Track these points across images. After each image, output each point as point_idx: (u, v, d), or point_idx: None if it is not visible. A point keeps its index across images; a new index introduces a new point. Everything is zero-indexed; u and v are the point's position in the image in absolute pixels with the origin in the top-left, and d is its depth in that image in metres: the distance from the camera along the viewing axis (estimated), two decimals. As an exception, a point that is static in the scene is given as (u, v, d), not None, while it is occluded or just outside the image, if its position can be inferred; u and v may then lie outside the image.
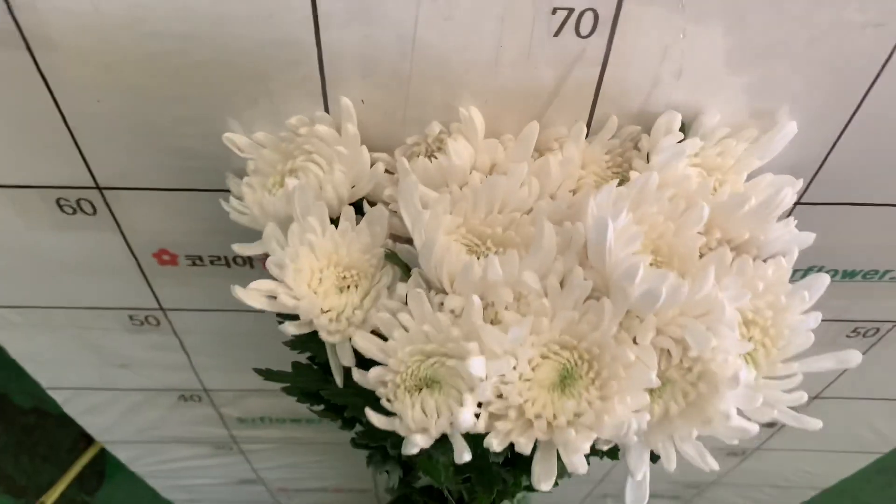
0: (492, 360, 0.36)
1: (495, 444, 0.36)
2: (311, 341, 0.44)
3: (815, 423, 0.40)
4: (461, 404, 0.35)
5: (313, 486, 1.08)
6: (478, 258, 0.41)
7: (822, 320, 0.67)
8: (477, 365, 0.35)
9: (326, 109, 0.45)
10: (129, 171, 0.50)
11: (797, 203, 0.53)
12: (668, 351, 0.38)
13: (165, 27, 0.40)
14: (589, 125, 0.47)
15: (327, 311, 0.40)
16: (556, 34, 0.41)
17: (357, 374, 0.39)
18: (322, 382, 0.48)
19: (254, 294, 0.39)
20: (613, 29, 0.41)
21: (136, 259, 0.58)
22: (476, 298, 0.37)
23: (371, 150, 0.47)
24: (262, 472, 1.01)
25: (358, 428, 0.55)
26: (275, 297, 0.40)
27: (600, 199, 0.40)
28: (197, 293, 0.62)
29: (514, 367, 0.37)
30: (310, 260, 0.40)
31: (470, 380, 0.36)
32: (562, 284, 0.39)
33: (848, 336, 0.69)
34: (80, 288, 0.61)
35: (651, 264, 0.41)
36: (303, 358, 0.50)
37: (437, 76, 0.43)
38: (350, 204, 0.45)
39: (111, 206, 0.52)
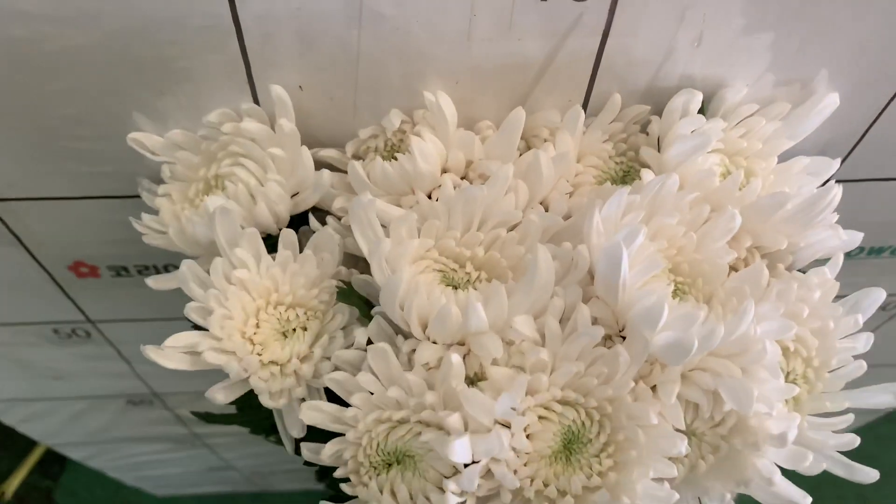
0: (479, 438, 0.28)
1: (486, 541, 0.28)
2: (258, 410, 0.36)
3: (872, 475, 0.33)
4: (442, 495, 0.28)
5: (287, 468, 1.02)
6: (455, 289, 0.32)
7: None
8: (459, 450, 0.27)
9: (256, 100, 0.36)
10: (18, 180, 0.40)
11: (828, 180, 0.45)
12: (695, 404, 0.31)
13: (33, 5, 0.30)
14: (585, 106, 0.38)
15: (267, 365, 0.32)
16: (545, -3, 0.32)
17: (307, 452, 0.31)
18: (272, 420, 0.40)
19: (171, 353, 0.31)
20: (618, -12, 0.32)
21: (48, 273, 0.49)
22: (455, 357, 0.29)
23: (317, 145, 0.38)
24: (232, 461, 0.95)
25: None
26: (198, 354, 0.31)
27: (607, 211, 0.31)
28: (127, 304, 0.53)
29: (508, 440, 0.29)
30: (242, 301, 0.32)
31: (453, 464, 0.28)
32: (562, 321, 0.31)
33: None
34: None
35: (673, 293, 0.33)
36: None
37: (395, 52, 0.34)
38: (293, 216, 0.36)
39: (3, 218, 0.43)
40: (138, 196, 0.40)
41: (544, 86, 0.36)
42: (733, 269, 0.35)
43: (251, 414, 0.41)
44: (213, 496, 1.23)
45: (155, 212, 0.37)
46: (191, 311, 0.31)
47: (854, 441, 0.33)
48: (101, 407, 0.71)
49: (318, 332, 0.33)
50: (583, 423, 0.30)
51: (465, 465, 0.28)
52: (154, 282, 0.35)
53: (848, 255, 0.53)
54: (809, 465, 0.32)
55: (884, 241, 0.52)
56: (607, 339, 0.31)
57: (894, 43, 0.35)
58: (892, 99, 0.39)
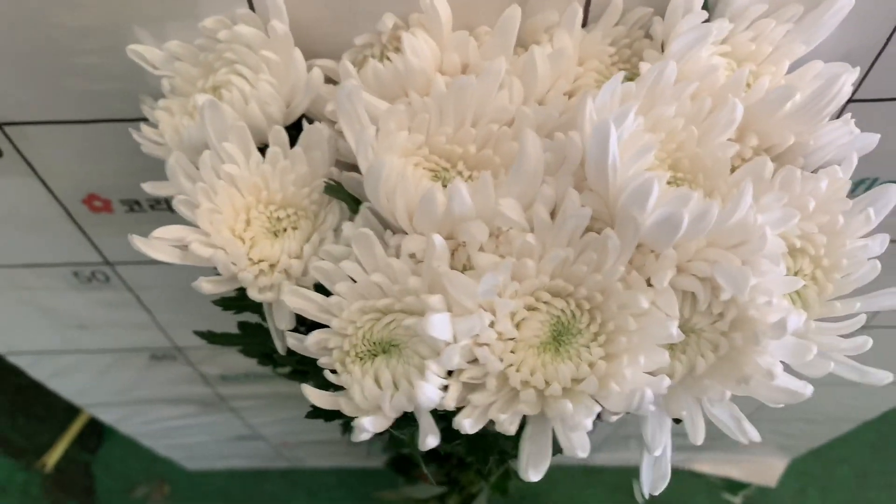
0: (460, 318, 0.28)
1: (468, 424, 0.28)
2: (244, 298, 0.36)
3: (885, 377, 0.31)
4: (423, 375, 0.27)
5: (315, 438, 1.02)
6: (444, 186, 0.32)
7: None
8: (437, 324, 0.26)
9: (251, 6, 0.36)
10: (28, 100, 0.41)
11: (850, 100, 0.43)
12: (693, 294, 0.29)
13: None
14: (587, 10, 0.37)
15: (257, 263, 0.32)
16: None
17: (292, 340, 0.31)
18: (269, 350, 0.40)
19: (158, 244, 0.31)
20: None
21: (63, 207, 0.49)
22: (438, 238, 0.28)
23: (313, 56, 0.37)
24: (259, 427, 0.95)
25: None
26: (185, 248, 0.31)
27: (601, 99, 0.30)
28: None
29: (492, 325, 0.28)
30: (231, 197, 0.32)
31: (433, 344, 0.27)
32: (553, 215, 0.30)
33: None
34: (11, 244, 0.54)
35: (669, 183, 0.32)
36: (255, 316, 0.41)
37: (387, -48, 0.34)
38: (288, 126, 0.36)
39: (17, 145, 0.44)
40: (146, 119, 0.41)
41: (542, -11, 0.36)
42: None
43: (250, 335, 0.41)
44: (244, 471, 1.24)
45: (155, 126, 0.37)
46: (179, 203, 0.31)
47: (866, 343, 0.31)
48: (126, 362, 0.72)
49: (309, 232, 0.33)
50: (573, 314, 0.29)
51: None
52: (151, 186, 0.35)
53: (877, 190, 0.51)
54: (814, 363, 0.30)
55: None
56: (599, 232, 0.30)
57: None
58: (913, 1, 0.37)
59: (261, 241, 0.32)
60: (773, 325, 0.28)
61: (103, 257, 0.55)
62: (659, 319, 0.28)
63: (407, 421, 0.30)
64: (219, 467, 1.22)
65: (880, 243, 0.33)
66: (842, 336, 0.32)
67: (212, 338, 0.41)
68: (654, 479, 0.32)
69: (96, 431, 1.28)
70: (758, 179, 0.31)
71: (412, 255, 0.30)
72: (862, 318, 0.32)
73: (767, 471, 1.23)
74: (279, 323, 0.32)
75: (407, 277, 0.28)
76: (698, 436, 0.30)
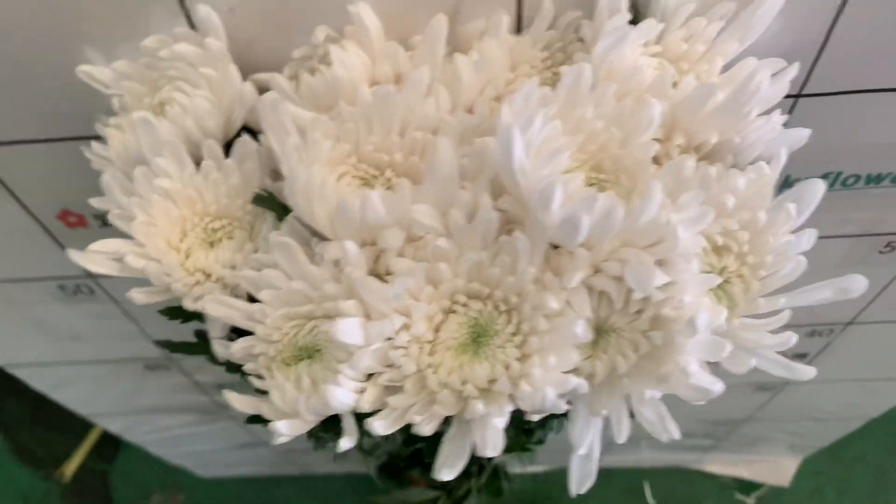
0: (373, 322, 0.28)
1: (379, 426, 0.28)
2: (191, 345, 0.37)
3: (808, 372, 0.31)
4: (335, 379, 0.28)
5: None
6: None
7: (850, 236, 0.57)
8: (345, 329, 0.27)
9: (191, 25, 0.37)
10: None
11: (798, 95, 0.43)
12: (609, 296, 0.30)
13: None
14: (520, 16, 0.38)
15: (193, 273, 0.33)
16: None
17: (219, 348, 0.32)
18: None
19: (96, 258, 0.32)
20: None
21: (40, 223, 0.51)
22: (350, 245, 0.29)
23: (257, 69, 0.38)
24: (261, 434, 0.97)
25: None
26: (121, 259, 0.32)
27: (516, 105, 0.31)
28: (121, 256, 0.55)
29: (408, 328, 0.29)
30: (167, 210, 0.33)
31: (346, 348, 0.28)
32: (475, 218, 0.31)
33: (881, 252, 0.59)
34: (-2, 259, 0.56)
35: (593, 185, 0.32)
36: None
37: (317, -32, 0.35)
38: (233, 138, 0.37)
39: (-11, 163, 0.46)
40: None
41: (472, -3, 0.36)
42: (664, 168, 0.33)
43: (208, 343, 0.42)
44: (256, 478, 1.26)
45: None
46: (114, 217, 0.33)
47: (790, 339, 0.31)
48: (122, 372, 0.74)
49: (243, 241, 0.34)
50: (490, 316, 0.30)
51: (362, 352, 0.28)
52: (98, 202, 0.36)
53: (845, 184, 0.51)
54: (736, 359, 0.30)
55: (881, 167, 0.49)
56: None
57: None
58: (848, -7, 0.37)
59: (196, 251, 0.33)
60: (684, 325, 0.28)
61: (86, 270, 0.57)
62: (569, 320, 0.28)
63: (336, 423, 0.31)
64: (231, 475, 1.24)
65: (808, 239, 0.32)
66: (770, 332, 0.32)
67: (172, 347, 0.42)
68: (580, 477, 0.32)
69: (112, 441, 1.30)
70: (676, 178, 0.31)
71: (335, 262, 0.31)
72: (786, 315, 0.32)
73: (780, 471, 1.21)
74: (212, 331, 0.33)
75: (325, 284, 0.29)
76: (622, 434, 0.31)
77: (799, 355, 0.78)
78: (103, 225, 0.52)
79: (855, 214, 0.54)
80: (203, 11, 0.35)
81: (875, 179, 0.50)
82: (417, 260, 0.30)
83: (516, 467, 0.84)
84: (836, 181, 0.50)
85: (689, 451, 1.15)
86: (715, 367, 0.32)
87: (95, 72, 0.38)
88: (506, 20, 0.35)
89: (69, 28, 0.37)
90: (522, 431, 0.45)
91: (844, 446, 1.13)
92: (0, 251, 0.54)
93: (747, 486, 1.23)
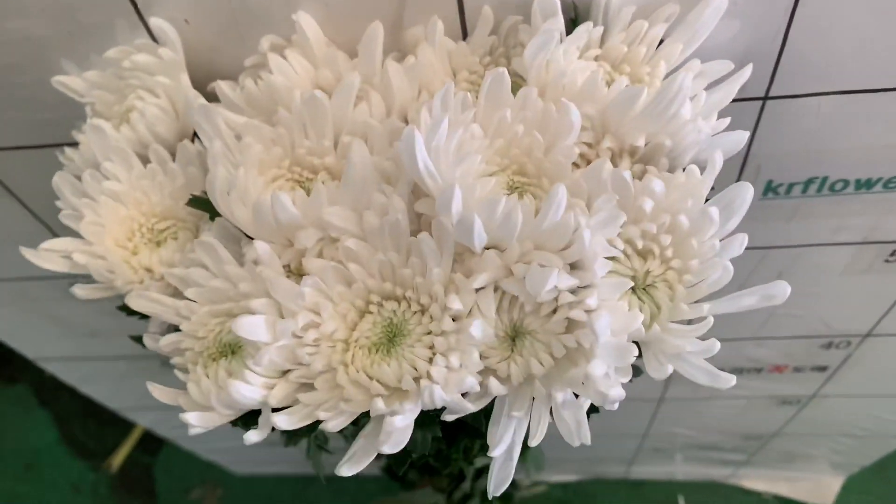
0: (279, 320, 0.29)
1: (282, 421, 0.29)
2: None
3: (728, 380, 0.30)
4: (241, 375, 0.29)
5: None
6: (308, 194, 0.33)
7: (849, 243, 0.55)
8: (249, 326, 0.28)
9: (151, 37, 0.39)
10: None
11: (766, 97, 0.42)
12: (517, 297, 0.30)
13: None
14: (464, 22, 0.38)
15: (139, 271, 0.35)
16: None
17: (148, 340, 0.33)
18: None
19: (47, 255, 0.34)
20: None
21: (44, 224, 0.54)
22: (261, 244, 0.30)
23: (216, 76, 0.40)
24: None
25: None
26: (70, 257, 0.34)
27: (435, 105, 0.31)
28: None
29: (317, 326, 0.30)
30: (114, 209, 0.35)
31: (253, 345, 0.29)
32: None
33: (887, 261, 0.56)
34: (8, 259, 0.59)
35: (516, 188, 0.32)
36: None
37: (261, -21, 0.36)
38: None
39: (-10, 168, 0.49)
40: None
41: (414, 5, 0.37)
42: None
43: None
44: (291, 477, 1.29)
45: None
46: (65, 217, 0.35)
47: (713, 346, 0.30)
48: (140, 368, 0.77)
49: (186, 241, 0.35)
50: (403, 316, 0.31)
51: (270, 348, 0.29)
52: (62, 203, 0.38)
53: (833, 189, 0.49)
54: (657, 362, 0.30)
55: (871, 172, 0.47)
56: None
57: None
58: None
59: (142, 250, 0.35)
60: (585, 329, 0.28)
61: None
62: (469, 321, 0.29)
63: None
64: (265, 472, 1.27)
65: (738, 244, 0.32)
66: (697, 338, 0.31)
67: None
68: (497, 479, 0.32)
69: (157, 437, 1.36)
70: (593, 181, 0.31)
71: (254, 261, 0.32)
72: (709, 322, 0.31)
73: (822, 489, 1.16)
74: (150, 327, 0.35)
75: (240, 282, 0.30)
76: (537, 437, 0.31)
77: (819, 368, 0.75)
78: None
79: (849, 221, 0.51)
80: (157, 23, 0.37)
81: (866, 184, 0.48)
82: (335, 260, 0.31)
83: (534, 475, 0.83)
84: (823, 187, 0.48)
85: (722, 466, 1.11)
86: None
87: (69, 81, 0.40)
88: (440, 26, 0.36)
89: (44, 44, 0.40)
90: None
91: (891, 465, 1.07)
92: (11, 251, 0.58)
93: (787, 504, 1.19)
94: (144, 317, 0.41)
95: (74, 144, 0.46)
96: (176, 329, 0.33)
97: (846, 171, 0.47)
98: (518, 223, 0.28)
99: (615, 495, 1.23)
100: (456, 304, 0.29)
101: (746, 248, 0.32)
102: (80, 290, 0.34)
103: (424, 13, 0.37)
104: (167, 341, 0.32)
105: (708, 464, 1.12)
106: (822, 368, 0.75)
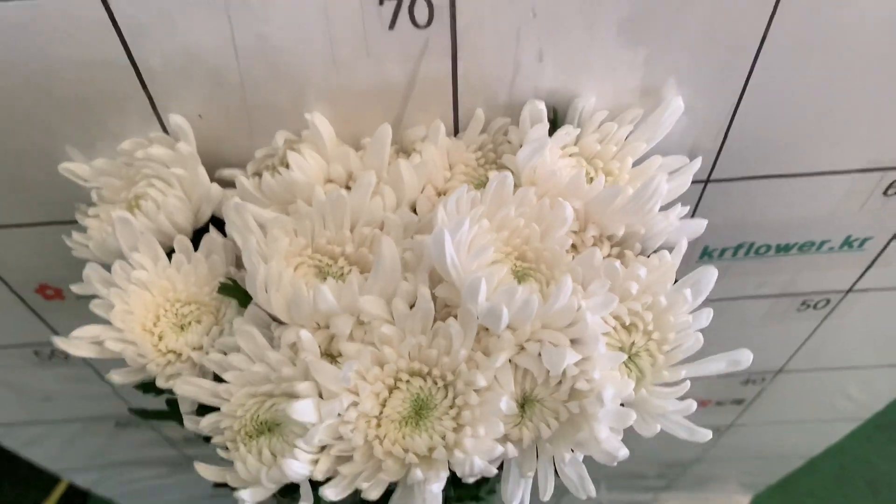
0: (326, 401, 0.33)
1: (331, 493, 0.32)
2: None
3: (705, 434, 0.36)
4: (291, 452, 0.32)
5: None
6: (325, 279, 0.37)
7: (768, 296, 0.63)
8: (300, 409, 0.31)
9: (164, 128, 0.41)
10: (-22, 210, 0.47)
11: (708, 181, 0.49)
12: (531, 372, 0.35)
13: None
14: (456, 122, 0.43)
15: (166, 354, 0.37)
16: (391, 27, 0.37)
17: (189, 422, 0.36)
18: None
19: (78, 343, 0.36)
20: (453, 14, 0.37)
21: (18, 296, 0.55)
22: (305, 333, 0.33)
23: (223, 164, 0.43)
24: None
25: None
26: (101, 343, 0.36)
27: (450, 205, 0.36)
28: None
29: (356, 405, 0.33)
30: (142, 297, 0.37)
31: (302, 424, 0.32)
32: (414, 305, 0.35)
33: (798, 310, 0.65)
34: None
35: (517, 271, 0.37)
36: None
37: (274, 80, 0.39)
38: (201, 228, 0.42)
39: (-28, 246, 0.49)
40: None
41: (414, 105, 0.41)
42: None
43: (177, 412, 0.46)
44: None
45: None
46: (95, 306, 0.37)
47: (691, 406, 0.36)
48: (93, 429, 0.76)
49: (210, 324, 0.38)
50: (429, 391, 0.34)
51: (315, 427, 0.32)
52: (77, 288, 0.40)
53: (758, 252, 0.56)
54: (646, 422, 0.35)
55: (788, 238, 0.55)
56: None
57: (726, 45, 0.39)
58: (741, 96, 0.42)
59: (168, 334, 0.37)
60: (594, 397, 0.33)
61: (60, 337, 0.60)
62: (496, 395, 0.33)
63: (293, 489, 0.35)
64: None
65: (706, 317, 0.38)
66: (677, 399, 0.37)
67: (144, 414, 0.46)
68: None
69: (80, 493, 1.31)
70: (587, 268, 0.36)
71: (291, 345, 0.35)
72: (686, 385, 0.36)
73: (733, 508, 1.26)
74: (182, 406, 0.37)
75: (282, 367, 0.34)
76: (547, 491, 0.35)
77: (737, 401, 0.83)
78: (79, 297, 0.55)
79: (770, 277, 0.59)
80: (175, 120, 0.40)
81: (784, 248, 0.56)
82: (366, 342, 0.35)
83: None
84: (750, 251, 0.56)
85: (644, 492, 1.19)
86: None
87: (76, 168, 0.42)
88: (443, 128, 0.40)
89: (54, 129, 0.41)
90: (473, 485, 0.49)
91: (793, 482, 1.18)
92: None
93: (702, 523, 1.27)
94: (147, 388, 0.43)
95: (66, 223, 0.48)
96: (207, 410, 0.36)
97: (768, 238, 0.55)
98: (535, 309, 0.32)
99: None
100: (482, 381, 0.33)
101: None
102: (117, 377, 0.36)
103: (423, 112, 0.42)
104: (207, 422, 0.35)
105: (631, 490, 1.20)
106: (740, 401, 0.83)
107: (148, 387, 0.41)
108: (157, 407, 0.49)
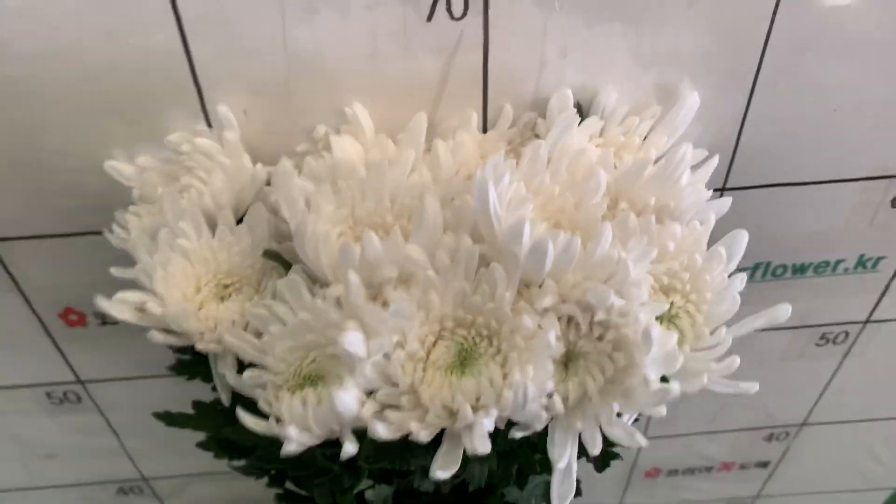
0: (373, 339, 0.32)
1: (380, 429, 0.31)
2: (198, 365, 0.40)
3: (752, 386, 0.36)
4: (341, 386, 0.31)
5: None
6: (366, 246, 0.38)
7: (788, 328, 0.63)
8: (352, 340, 0.31)
9: (209, 123, 0.44)
10: (18, 217, 0.47)
11: (722, 189, 0.51)
12: (577, 322, 0.35)
13: (12, 48, 0.39)
14: (485, 119, 0.45)
15: (205, 321, 0.37)
16: (429, 18, 0.40)
17: (232, 378, 0.35)
18: (227, 424, 0.44)
19: (120, 305, 0.36)
20: (486, 6, 0.40)
21: (41, 322, 0.54)
22: (354, 276, 0.34)
23: (264, 164, 0.45)
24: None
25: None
26: (143, 309, 0.36)
27: (488, 168, 0.37)
28: (113, 358, 0.58)
29: (403, 347, 0.33)
30: (183, 266, 0.37)
31: (349, 359, 0.32)
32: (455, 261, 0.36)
33: (817, 345, 0.65)
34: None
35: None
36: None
37: (317, 77, 0.42)
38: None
39: (4, 259, 0.50)
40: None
41: (445, 102, 0.44)
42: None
43: (204, 415, 0.45)
44: None
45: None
46: (138, 272, 0.37)
47: (734, 363, 0.36)
48: (92, 497, 0.73)
49: (250, 295, 0.38)
50: (474, 341, 0.34)
51: (363, 368, 0.32)
52: (116, 270, 0.40)
53: (774, 274, 0.58)
54: (689, 378, 0.35)
55: (803, 258, 0.56)
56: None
57: (735, 49, 0.43)
58: (751, 95, 0.45)
59: (209, 303, 0.38)
60: (642, 337, 0.33)
61: (76, 375, 0.59)
62: (543, 333, 0.33)
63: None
64: None
65: (740, 281, 0.38)
66: (715, 360, 0.37)
67: (169, 419, 0.45)
68: (561, 492, 0.35)
69: None
70: (622, 229, 0.37)
71: (336, 300, 0.35)
72: (728, 342, 0.37)
73: None
74: (221, 367, 0.36)
75: (329, 312, 0.34)
76: (595, 448, 0.34)
77: (761, 464, 0.81)
78: (102, 324, 0.55)
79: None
80: (221, 110, 0.42)
81: (800, 269, 0.57)
82: (408, 292, 0.35)
83: None
84: (767, 272, 0.57)
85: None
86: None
87: (122, 168, 0.44)
88: (475, 116, 0.43)
89: (100, 129, 0.43)
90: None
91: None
92: (-3, 355, 0.57)
93: None
94: (177, 375, 0.42)
95: (96, 234, 0.49)
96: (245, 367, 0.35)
97: (784, 257, 0.56)
98: (576, 253, 0.33)
99: None
100: (528, 323, 0.33)
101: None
102: (158, 335, 0.36)
103: (454, 109, 0.44)
104: (249, 376, 0.34)
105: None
106: (765, 464, 0.81)
107: (182, 369, 0.41)
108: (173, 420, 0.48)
